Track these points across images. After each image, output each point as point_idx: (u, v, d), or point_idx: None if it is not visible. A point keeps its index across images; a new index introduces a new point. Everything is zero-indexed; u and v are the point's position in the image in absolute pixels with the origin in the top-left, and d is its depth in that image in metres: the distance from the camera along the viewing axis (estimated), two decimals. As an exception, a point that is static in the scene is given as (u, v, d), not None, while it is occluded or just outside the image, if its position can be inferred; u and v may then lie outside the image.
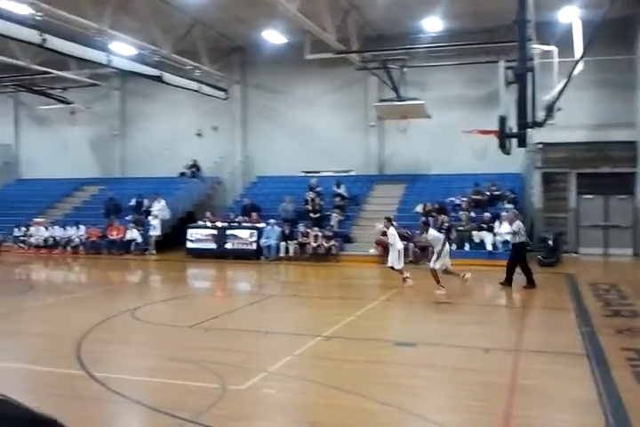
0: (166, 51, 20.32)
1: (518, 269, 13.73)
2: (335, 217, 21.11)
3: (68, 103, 26.25)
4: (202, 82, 22.67)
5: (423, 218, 17.93)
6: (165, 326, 10.11)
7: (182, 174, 25.71)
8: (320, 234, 19.92)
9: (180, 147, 26.04)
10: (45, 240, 22.72)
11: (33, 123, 29.08)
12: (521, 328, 9.97)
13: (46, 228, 23.12)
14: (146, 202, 23.53)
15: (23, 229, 23.21)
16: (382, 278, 16.05)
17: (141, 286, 16.51)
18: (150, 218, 22.23)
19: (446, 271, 13.18)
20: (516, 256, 13.82)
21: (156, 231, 21.94)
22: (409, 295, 13.57)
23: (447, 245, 13.30)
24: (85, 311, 11.46)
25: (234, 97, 25.26)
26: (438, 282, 12.88)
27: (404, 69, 20.45)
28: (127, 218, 22.91)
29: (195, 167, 25.52)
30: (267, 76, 25.08)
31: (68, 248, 22.34)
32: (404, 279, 13.88)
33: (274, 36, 21.10)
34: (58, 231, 22.85)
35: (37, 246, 22.75)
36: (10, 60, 22.76)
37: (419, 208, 20.68)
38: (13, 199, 26.52)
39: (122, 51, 18.97)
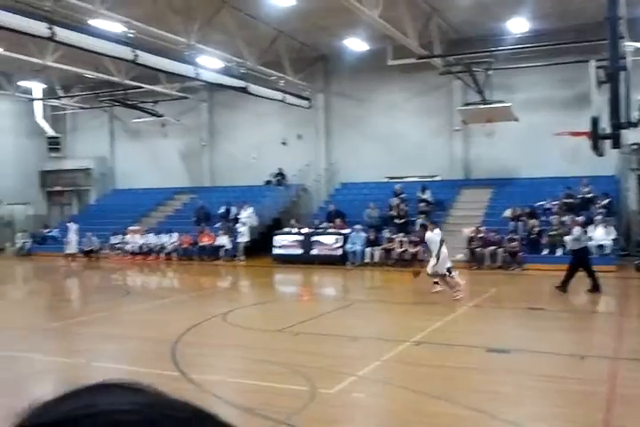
0: (251, 62, 20.81)
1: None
2: (420, 223, 20.92)
3: (159, 116, 27.29)
4: (286, 92, 23.06)
5: (419, 221, 17.97)
6: (255, 329, 10.34)
7: (268, 182, 26.22)
8: (405, 240, 19.82)
9: (266, 156, 26.56)
10: (140, 247, 23.70)
11: (127, 136, 30.41)
12: (618, 335, 9.56)
13: (141, 235, 24.11)
14: (234, 210, 24.15)
15: (119, 236, 24.30)
16: (471, 284, 15.76)
17: (231, 291, 16.93)
18: (239, 225, 22.78)
19: (442, 278, 13.02)
20: (578, 262, 13.31)
21: (244, 238, 22.46)
22: (499, 301, 13.27)
23: (444, 248, 13.03)
24: (179, 315, 11.87)
25: (317, 105, 25.56)
26: (452, 287, 12.79)
27: (489, 72, 20.08)
28: (217, 225, 23.58)
29: (280, 175, 25.96)
30: (349, 83, 25.23)
31: (162, 255, 23.20)
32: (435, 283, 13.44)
33: (356, 44, 21.23)
34: (152, 239, 23.78)
35: (133, 253, 23.75)
36: (105, 77, 23.98)
37: (507, 213, 20.20)
38: (110, 208, 27.84)
39: (209, 64, 19.60)
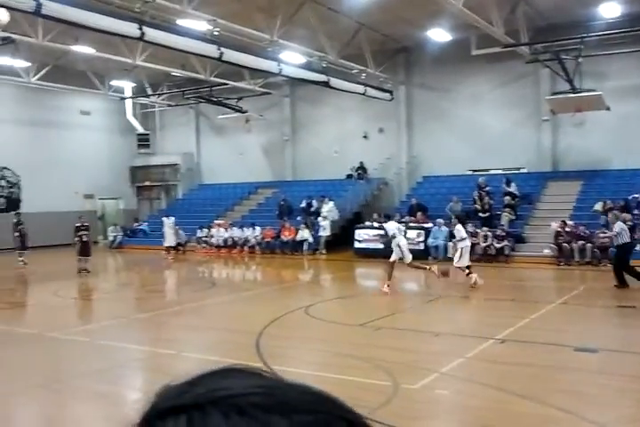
0: (333, 56, 20.86)
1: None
2: (506, 216, 20.42)
3: (243, 112, 27.78)
4: (367, 85, 22.98)
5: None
6: (337, 323, 10.40)
7: (349, 176, 26.25)
8: (490, 234, 19.38)
9: (347, 149, 26.59)
10: (225, 241, 24.28)
11: (212, 132, 31.18)
12: None
13: (226, 229, 24.69)
14: (315, 203, 24.34)
15: (205, 230, 24.98)
16: (558, 280, 15.29)
17: (313, 285, 17.09)
18: (320, 219, 22.95)
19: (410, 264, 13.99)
20: (621, 256, 13.32)
21: (325, 232, 22.62)
22: (588, 298, 12.79)
23: (403, 240, 14.02)
24: (262, 308, 12.10)
25: (399, 98, 25.33)
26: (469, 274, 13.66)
27: (579, 59, 19.29)
28: (298, 219, 23.84)
29: (361, 169, 25.93)
30: (432, 74, 24.86)
31: (245, 248, 23.68)
32: (468, 275, 13.95)
33: (439, 34, 20.88)
34: (236, 232, 24.31)
35: (218, 246, 24.37)
36: (191, 75, 24.66)
37: (598, 206, 19.39)
38: (196, 203, 28.69)
39: (291, 59, 19.79)
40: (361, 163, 25.94)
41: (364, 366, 7.44)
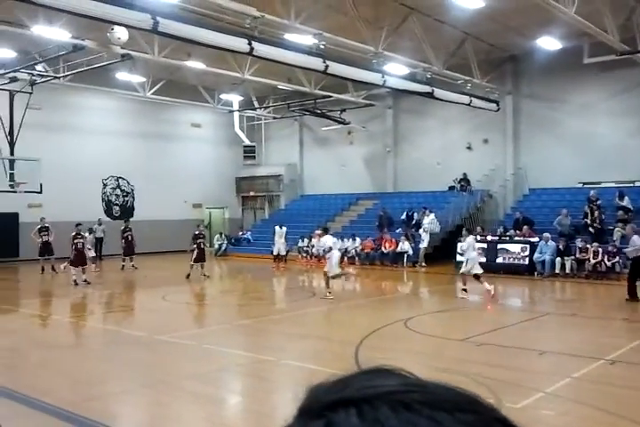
0: (437, 67, 20.68)
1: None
2: (618, 232, 19.39)
3: (346, 124, 28.04)
4: (473, 95, 22.60)
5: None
6: (437, 337, 10.23)
7: (452, 188, 25.84)
8: (600, 250, 18.46)
9: (450, 161, 26.22)
10: (325, 251, 24.44)
11: (315, 143, 31.66)
12: None
13: (326, 239, 24.87)
14: (416, 215, 24.12)
15: (306, 240, 25.30)
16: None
17: (412, 297, 16.90)
18: (420, 231, 22.71)
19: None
20: (633, 270, 13.85)
21: (424, 244, 22.33)
22: None
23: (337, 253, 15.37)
24: (361, 319, 12.09)
25: (506, 108, 24.73)
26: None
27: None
28: (398, 231, 23.68)
29: (464, 181, 25.47)
30: (541, 84, 24.10)
31: (345, 259, 23.75)
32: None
33: (548, 43, 20.23)
34: (336, 243, 24.43)
35: (318, 257, 24.58)
36: (297, 87, 25.18)
37: None
38: (298, 213, 29.17)
39: (395, 71, 19.78)
40: (464, 174, 25.49)
41: (465, 382, 7.26)
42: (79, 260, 17.65)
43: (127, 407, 7.07)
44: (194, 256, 19.01)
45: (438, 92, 20.85)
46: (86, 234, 21.77)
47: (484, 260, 20.35)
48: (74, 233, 17.81)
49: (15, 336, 10.78)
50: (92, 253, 21.59)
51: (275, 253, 23.13)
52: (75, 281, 17.33)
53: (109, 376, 8.13)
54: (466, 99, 22.29)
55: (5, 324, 12.17)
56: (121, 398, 7.20)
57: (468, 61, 21.87)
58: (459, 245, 21.16)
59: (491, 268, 19.85)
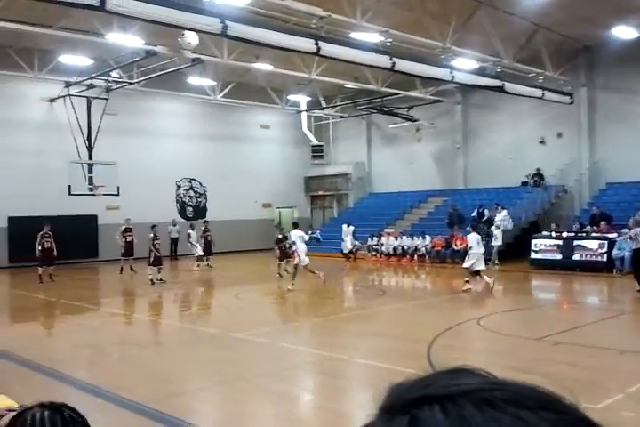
0: (508, 60, 20.24)
1: None
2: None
3: (414, 121, 27.81)
4: (545, 88, 21.99)
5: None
6: (512, 336, 10.03)
7: (525, 184, 25.23)
8: (685, 246, 17.61)
9: (522, 156, 25.60)
10: (395, 249, 24.38)
11: (382, 141, 31.54)
12: None
13: (396, 238, 24.79)
14: (487, 212, 23.68)
15: (375, 238, 25.26)
16: None
17: (484, 296, 16.60)
18: (492, 228, 22.27)
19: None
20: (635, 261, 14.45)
21: (497, 241, 21.89)
22: None
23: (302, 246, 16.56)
24: (432, 317, 11.99)
25: (580, 100, 23.94)
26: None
27: None
28: (469, 228, 23.26)
29: (538, 176, 24.82)
30: (617, 75, 23.20)
31: (415, 257, 23.60)
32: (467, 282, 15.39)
33: (625, 32, 19.48)
34: (406, 241, 24.32)
35: (387, 255, 24.54)
36: (364, 86, 25.14)
37: None
38: (367, 211, 29.13)
39: (464, 65, 19.48)
40: (537, 169, 24.84)
41: (541, 382, 7.02)
42: (157, 260, 18.22)
43: (205, 404, 7.26)
44: (277, 255, 19.46)
45: (509, 86, 20.39)
46: (191, 231, 22.61)
47: (559, 257, 19.85)
48: (151, 235, 18.39)
49: (97, 334, 11.23)
50: (199, 251, 22.31)
51: (344, 251, 23.23)
52: (151, 280, 17.89)
53: (187, 373, 8.37)
54: (538, 92, 21.71)
55: (87, 322, 12.70)
56: (199, 395, 7.40)
57: (539, 54, 21.30)
58: (533, 242, 20.68)
59: (566, 265, 19.34)
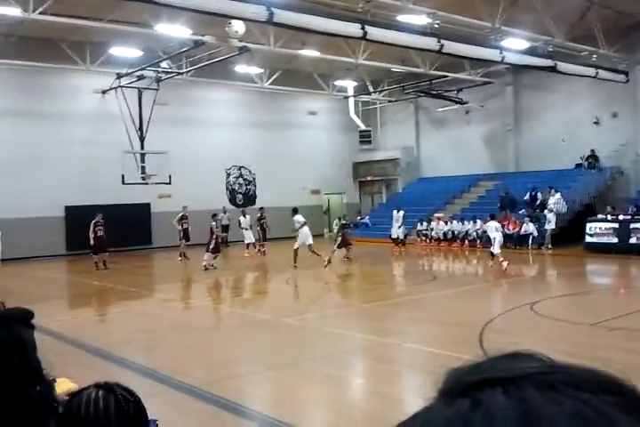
0: (559, 39, 19.69)
1: None
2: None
3: (463, 103, 27.38)
4: (599, 67, 21.33)
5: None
6: (565, 321, 9.86)
7: (579, 166, 24.61)
8: None
9: (576, 137, 24.95)
10: (445, 234, 24.17)
11: (431, 125, 31.17)
12: None
13: (446, 222, 24.56)
14: (540, 195, 23.21)
15: (425, 223, 25.07)
16: None
17: (538, 281, 16.35)
18: (545, 212, 21.84)
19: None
20: None
21: (551, 225, 21.46)
22: None
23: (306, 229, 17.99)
24: (484, 302, 11.88)
25: (635, 79, 23.11)
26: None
27: None
28: (521, 212, 22.91)
29: (592, 158, 24.17)
30: (676, 51, 22.33)
31: (466, 242, 23.35)
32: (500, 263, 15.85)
33: (684, 5, 18.71)
34: (456, 226, 24.07)
35: (437, 240, 24.34)
36: (411, 69, 24.86)
37: None
38: (416, 196, 28.88)
39: (514, 46, 19.05)
40: (592, 151, 24.19)
41: (597, 367, 6.97)
42: (216, 248, 18.57)
43: (258, 388, 7.39)
44: (339, 242, 19.64)
45: (561, 66, 19.87)
46: (242, 217, 23.03)
47: (615, 240, 19.37)
48: (213, 223, 18.77)
49: (152, 319, 11.53)
50: (250, 238, 22.60)
51: (393, 236, 23.13)
52: (205, 266, 18.21)
53: (240, 357, 8.53)
54: (591, 71, 21.09)
55: (143, 307, 13.04)
56: (252, 379, 7.54)
57: (592, 31, 20.65)
58: (587, 225, 20.20)
59: (623, 249, 18.84)
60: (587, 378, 0.49)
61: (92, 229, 19.24)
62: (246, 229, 22.90)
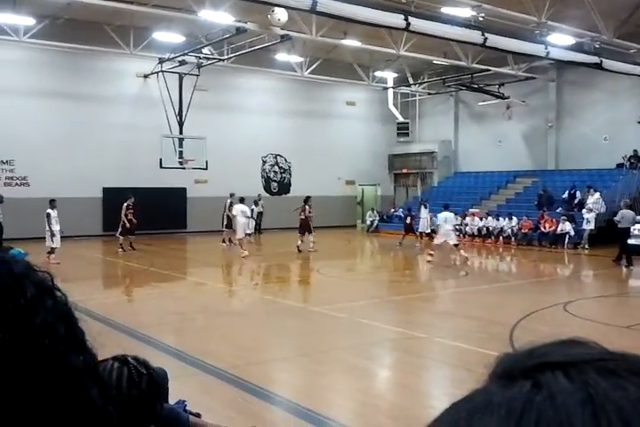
0: (607, 36, 19.24)
1: None
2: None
3: (505, 98, 26.98)
4: (647, 65, 20.81)
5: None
6: (599, 323, 9.70)
7: (620, 166, 24.10)
8: None
9: (619, 136, 24.42)
10: (479, 230, 23.92)
11: (470, 119, 30.81)
12: None
13: (481, 218, 24.30)
14: (579, 194, 22.81)
15: (459, 218, 24.81)
16: None
17: (572, 281, 16.11)
18: (584, 211, 21.46)
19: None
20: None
21: (589, 225, 21.08)
22: None
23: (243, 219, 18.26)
24: (517, 300, 11.74)
25: (685, 78, 22.51)
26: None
27: None
28: (558, 210, 22.55)
29: (635, 158, 23.63)
30: None
31: (501, 238, 23.09)
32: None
33: None
34: (491, 222, 23.79)
35: (472, 235, 24.11)
36: (453, 62, 24.57)
37: None
38: (451, 191, 28.65)
39: (560, 41, 18.68)
40: (635, 151, 23.65)
41: None
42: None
43: (285, 374, 7.45)
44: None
45: (607, 63, 19.43)
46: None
47: None
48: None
49: (183, 302, 11.68)
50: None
51: (420, 230, 22.74)
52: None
53: (268, 343, 8.60)
54: (638, 69, 20.58)
55: (175, 289, 13.21)
56: (280, 365, 7.60)
57: (642, 29, 20.14)
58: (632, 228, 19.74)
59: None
60: (624, 365, 0.49)
61: (124, 211, 19.55)
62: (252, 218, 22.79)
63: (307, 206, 20.69)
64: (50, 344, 0.64)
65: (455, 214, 24.74)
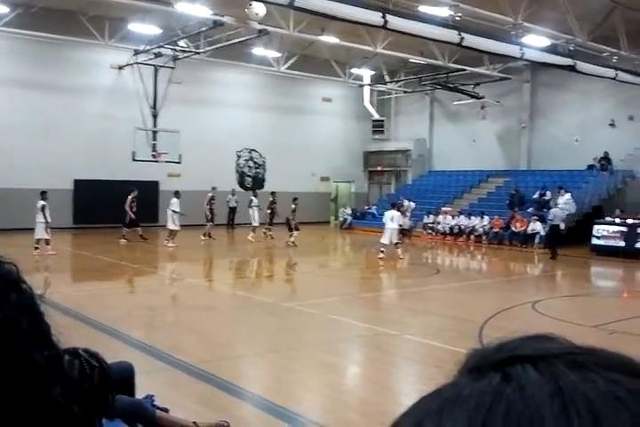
0: (581, 38, 19.50)
1: None
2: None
3: (479, 98, 27.21)
4: (618, 68, 21.12)
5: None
6: (567, 322, 9.84)
7: (591, 167, 24.47)
8: None
9: (590, 138, 24.80)
10: (451, 228, 24.12)
11: (445, 118, 31.02)
12: None
13: (453, 216, 24.51)
14: (549, 195, 23.12)
15: (432, 216, 25.03)
16: None
17: (542, 280, 16.33)
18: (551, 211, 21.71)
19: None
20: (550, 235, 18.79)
21: (562, 226, 21.32)
22: None
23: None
24: (486, 298, 11.87)
25: (656, 83, 22.90)
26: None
27: None
28: (529, 210, 22.84)
29: (605, 160, 24.01)
30: (698, 56, 22.06)
31: (472, 237, 23.31)
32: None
33: None
34: (463, 220, 24.00)
35: (444, 233, 24.30)
36: (430, 61, 24.69)
37: None
38: (425, 189, 28.85)
39: (535, 43, 18.88)
40: (605, 153, 24.03)
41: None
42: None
43: (255, 370, 7.43)
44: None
45: (581, 66, 19.68)
46: (253, 197, 23.52)
47: (622, 244, 19.30)
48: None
49: (155, 296, 11.60)
50: (256, 222, 22.63)
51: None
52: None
53: (239, 339, 8.57)
54: (611, 72, 20.88)
55: (146, 284, 13.10)
56: (250, 361, 7.58)
57: (615, 33, 20.42)
58: (595, 227, 20.11)
59: (629, 252, 18.77)
60: (617, 360, 0.49)
61: (128, 203, 19.99)
62: (259, 209, 22.79)
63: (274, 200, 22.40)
64: (11, 341, 0.62)
65: (429, 213, 25.12)
